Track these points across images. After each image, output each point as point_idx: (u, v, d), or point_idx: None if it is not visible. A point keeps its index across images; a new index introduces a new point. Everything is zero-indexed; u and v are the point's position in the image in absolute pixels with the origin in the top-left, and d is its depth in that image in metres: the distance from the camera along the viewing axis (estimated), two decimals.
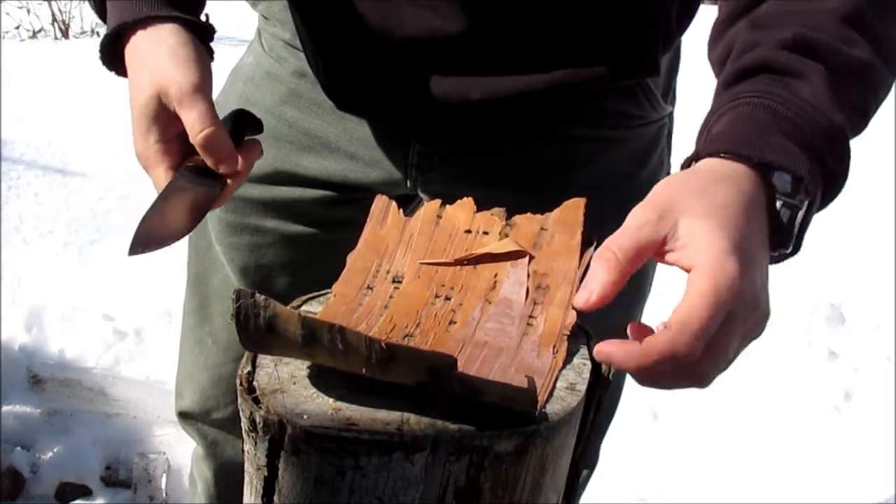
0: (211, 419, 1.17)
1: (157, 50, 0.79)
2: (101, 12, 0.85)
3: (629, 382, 1.15)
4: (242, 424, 0.63)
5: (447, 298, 0.72)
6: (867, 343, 2.50)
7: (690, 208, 0.63)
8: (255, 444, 0.61)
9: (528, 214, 0.79)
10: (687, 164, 0.71)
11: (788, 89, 0.71)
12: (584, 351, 0.70)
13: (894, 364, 2.40)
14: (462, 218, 0.79)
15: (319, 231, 1.05)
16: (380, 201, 0.81)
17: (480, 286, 0.73)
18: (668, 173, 1.03)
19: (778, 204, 0.68)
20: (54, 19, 4.94)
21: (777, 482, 2.00)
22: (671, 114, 1.06)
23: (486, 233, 0.78)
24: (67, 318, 2.21)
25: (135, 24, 0.80)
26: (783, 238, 0.69)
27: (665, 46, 0.94)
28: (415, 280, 0.74)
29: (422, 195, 1.03)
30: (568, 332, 0.69)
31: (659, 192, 0.66)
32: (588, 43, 0.91)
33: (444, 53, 0.90)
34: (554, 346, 0.68)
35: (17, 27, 4.86)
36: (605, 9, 0.88)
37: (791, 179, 0.68)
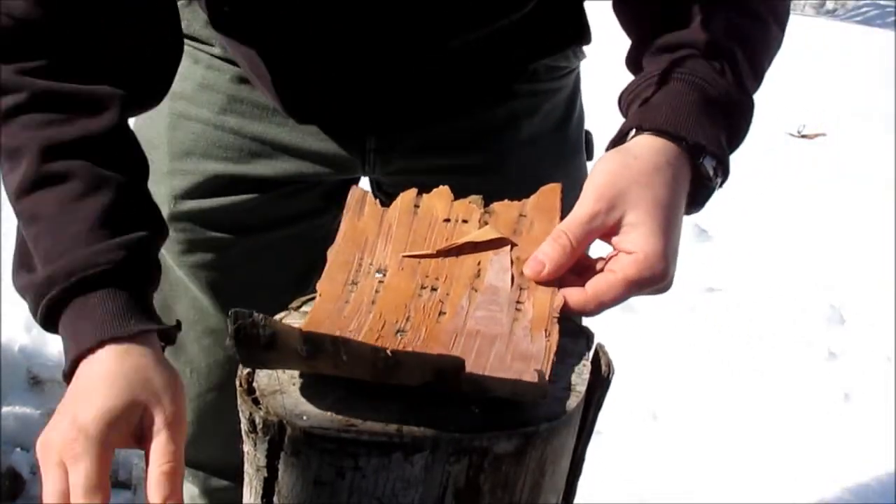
0: (200, 454, 1.13)
1: (147, 363, 0.72)
2: (49, 317, 0.76)
3: (629, 384, 1.15)
4: (242, 426, 0.63)
5: (433, 289, 0.72)
6: (867, 343, 2.50)
7: (636, 203, 0.73)
8: (255, 444, 0.62)
9: (506, 201, 0.79)
10: (622, 135, 0.80)
11: (715, 71, 0.80)
12: (584, 351, 0.70)
13: (894, 364, 2.40)
14: (440, 207, 0.79)
15: (284, 227, 1.04)
16: (355, 193, 0.80)
17: (465, 275, 0.73)
18: (582, 113, 1.13)
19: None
20: None
21: (777, 482, 1.99)
22: None
23: (465, 221, 0.78)
24: None
25: (120, 340, 0.73)
26: (694, 209, 0.81)
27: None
28: (398, 272, 0.73)
29: (381, 178, 1.05)
30: (557, 315, 0.69)
31: (606, 181, 0.74)
32: (541, 27, 0.95)
33: (389, 32, 0.90)
34: (546, 330, 0.68)
35: None
36: None
37: (715, 164, 0.78)
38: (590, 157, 1.12)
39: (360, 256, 0.75)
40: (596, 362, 0.69)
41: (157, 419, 0.70)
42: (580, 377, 0.67)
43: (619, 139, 0.80)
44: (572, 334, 0.71)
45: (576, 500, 0.75)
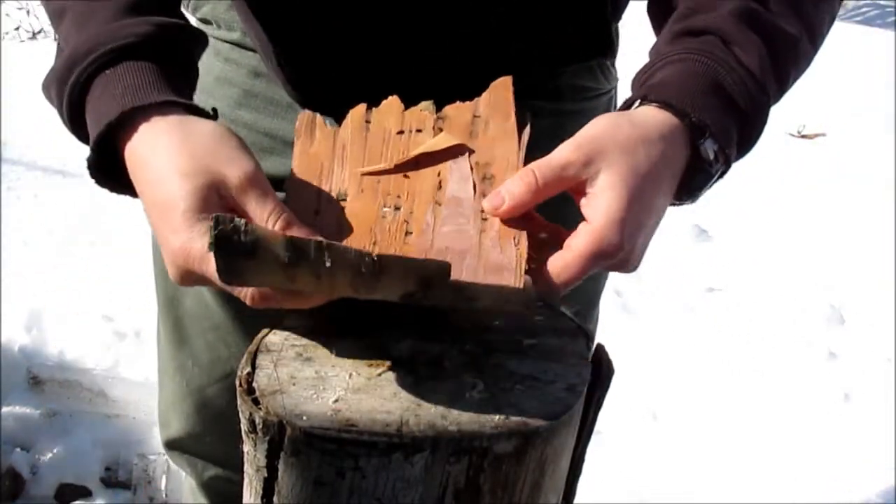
0: (200, 446, 1.14)
1: (192, 136, 0.69)
2: (74, 111, 0.72)
3: (629, 384, 1.15)
4: (242, 426, 0.63)
5: (396, 208, 0.71)
6: (867, 344, 2.50)
7: (612, 164, 0.70)
8: (255, 445, 0.61)
9: (458, 103, 0.78)
10: (627, 106, 0.77)
11: (733, 57, 0.77)
12: (583, 351, 0.70)
13: (894, 365, 2.40)
14: (392, 119, 0.77)
15: None
16: (304, 117, 0.78)
17: (426, 189, 0.72)
18: None
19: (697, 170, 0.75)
20: None
21: (777, 483, 1.99)
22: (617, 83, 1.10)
23: (419, 130, 0.76)
24: (67, 320, 2.21)
25: (147, 111, 0.69)
26: (689, 197, 0.77)
27: (615, 21, 0.98)
28: (359, 195, 0.72)
29: None
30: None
31: (591, 134, 0.72)
32: (548, 25, 0.93)
33: (404, 35, 0.89)
34: (514, 238, 0.67)
35: (17, 28, 4.85)
36: None
37: (717, 149, 0.74)
38: None
39: (318, 184, 0.74)
40: (596, 362, 0.69)
41: (232, 185, 0.67)
42: (580, 377, 0.67)
43: (623, 109, 0.78)
44: (572, 334, 0.71)
45: (576, 500, 0.75)
